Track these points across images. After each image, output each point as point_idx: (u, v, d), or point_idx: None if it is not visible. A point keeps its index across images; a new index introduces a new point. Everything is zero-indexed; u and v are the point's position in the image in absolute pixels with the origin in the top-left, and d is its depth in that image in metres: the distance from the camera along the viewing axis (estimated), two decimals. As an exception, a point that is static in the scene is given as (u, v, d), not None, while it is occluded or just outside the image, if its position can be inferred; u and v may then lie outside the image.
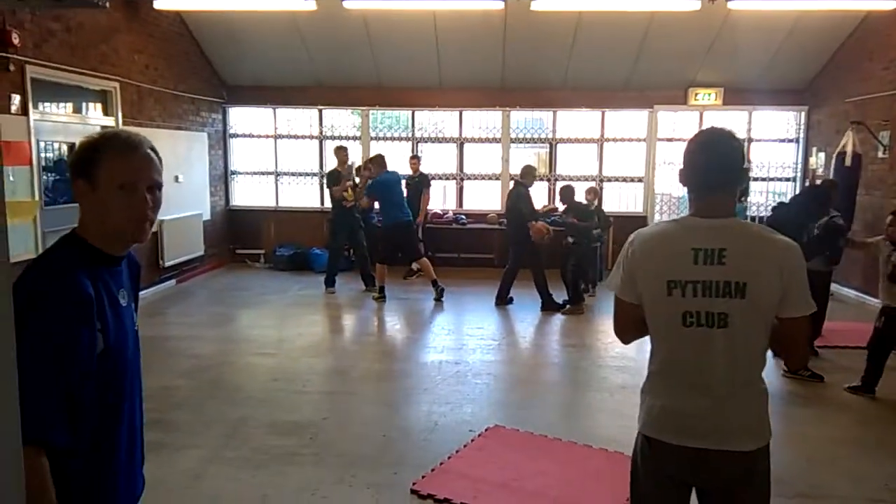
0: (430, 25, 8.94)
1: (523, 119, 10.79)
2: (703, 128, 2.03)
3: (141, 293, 6.79)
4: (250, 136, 10.92)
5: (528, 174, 8.06)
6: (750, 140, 10.37)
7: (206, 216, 9.89)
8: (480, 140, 10.73)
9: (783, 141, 10.39)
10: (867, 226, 7.81)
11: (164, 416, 4.57)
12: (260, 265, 10.64)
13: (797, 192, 10.03)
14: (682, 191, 8.06)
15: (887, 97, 7.84)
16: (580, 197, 8.44)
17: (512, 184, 8.52)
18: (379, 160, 8.31)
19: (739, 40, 9.00)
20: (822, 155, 9.59)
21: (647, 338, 2.02)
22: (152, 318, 7.21)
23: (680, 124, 10.36)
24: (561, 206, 8.52)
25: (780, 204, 6.70)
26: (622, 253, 1.99)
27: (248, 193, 11.05)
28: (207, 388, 5.20)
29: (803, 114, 10.11)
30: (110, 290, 1.54)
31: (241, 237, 10.81)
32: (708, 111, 10.17)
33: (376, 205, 8.57)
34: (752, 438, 1.89)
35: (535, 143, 10.88)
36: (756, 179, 10.34)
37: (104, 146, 1.53)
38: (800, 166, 10.13)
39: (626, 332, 2.06)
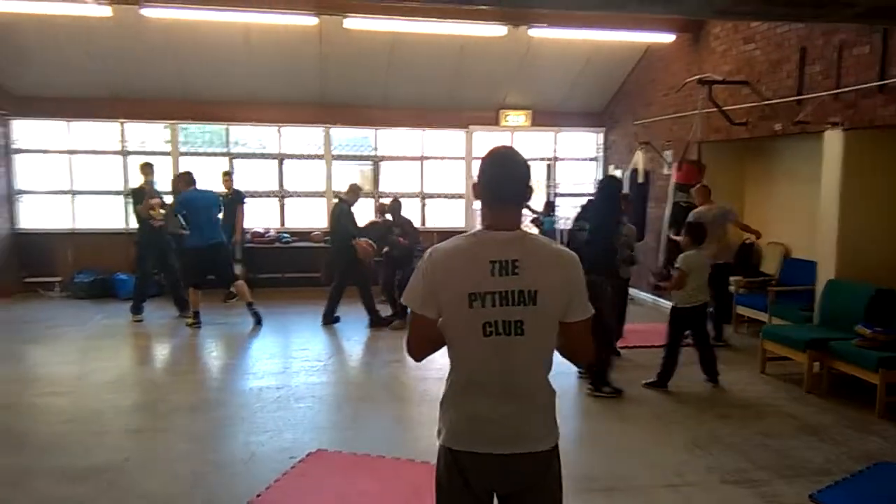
0: (241, 37, 8.61)
1: (348, 136, 10.74)
2: (495, 146, 2.08)
3: None
4: (40, 151, 9.82)
5: (352, 192, 8.00)
6: (556, 159, 11.16)
7: (-13, 241, 8.74)
8: (302, 157, 10.51)
9: (585, 160, 11.29)
10: (655, 234, 8.66)
11: (-77, 475, 3.90)
12: (55, 294, 9.58)
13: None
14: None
15: (668, 120, 8.79)
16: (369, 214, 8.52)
17: (335, 201, 8.40)
18: (185, 177, 7.76)
19: (544, 66, 9.67)
20: (618, 172, 10.51)
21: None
22: (-87, 362, 6.19)
23: (494, 144, 10.85)
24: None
25: (580, 216, 6.43)
26: (419, 268, 1.99)
27: (40, 215, 9.92)
28: (-18, 437, 4.53)
29: (601, 135, 11.06)
30: None
31: (31, 263, 9.68)
32: (518, 132, 10.79)
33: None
34: (547, 438, 1.99)
35: (359, 160, 10.87)
36: (562, 195, 11.12)
37: None
38: (597, 182, 11.02)
39: (422, 347, 2.06)
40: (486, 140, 10.85)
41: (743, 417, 5.07)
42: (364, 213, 8.91)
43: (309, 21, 7.59)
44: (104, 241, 9.74)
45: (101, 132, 9.97)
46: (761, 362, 6.19)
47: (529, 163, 2.05)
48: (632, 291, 8.29)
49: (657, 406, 5.34)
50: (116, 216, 9.92)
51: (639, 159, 8.70)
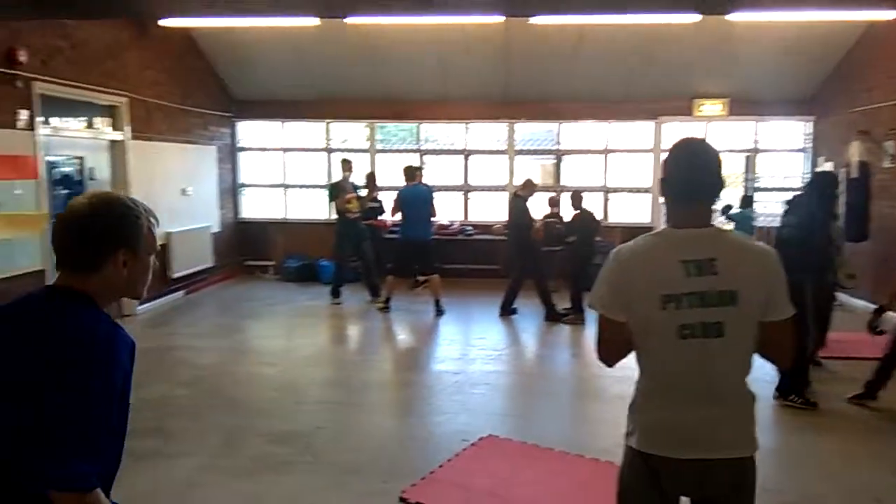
0: (432, 39, 9.02)
1: (531, 131, 10.82)
2: (683, 137, 2.01)
3: (148, 304, 6.98)
4: (259, 149, 11.07)
5: (527, 187, 8.08)
6: (756, 150, 10.35)
7: (216, 228, 10.01)
8: (486, 152, 10.79)
9: (790, 151, 10.35)
10: (874, 234, 7.73)
11: (161, 424, 4.63)
12: (269, 276, 10.74)
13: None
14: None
15: (893, 107, 7.79)
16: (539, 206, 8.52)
17: (512, 196, 8.56)
18: (406, 172, 8.28)
19: (744, 51, 9.00)
20: (829, 164, 9.53)
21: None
22: (158, 329, 7.32)
23: (685, 135, 10.32)
24: (571, 211, 8.45)
25: (788, 212, 5.55)
26: (605, 270, 1.96)
27: (258, 205, 11.18)
28: (207, 397, 5.26)
29: (810, 124, 10.07)
30: None
31: (250, 249, 10.93)
32: (714, 122, 10.16)
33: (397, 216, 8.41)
34: (748, 444, 1.91)
35: (541, 154, 10.91)
36: (763, 189, 10.30)
37: (140, 215, 1.59)
38: (807, 176, 10.06)
39: (613, 351, 1.98)
40: (677, 132, 10.37)
41: (968, 446, 4.42)
42: (539, 207, 8.95)
43: (495, 19, 7.76)
44: (310, 230, 10.72)
45: (310, 131, 10.99)
46: None
47: (721, 154, 1.95)
48: (841, 297, 7.50)
49: (861, 422, 4.81)
50: (320, 208, 10.87)
51: (855, 150, 7.81)
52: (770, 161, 10.48)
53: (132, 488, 3.72)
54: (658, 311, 1.84)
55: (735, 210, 9.49)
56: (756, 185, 10.34)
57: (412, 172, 8.27)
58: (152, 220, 1.63)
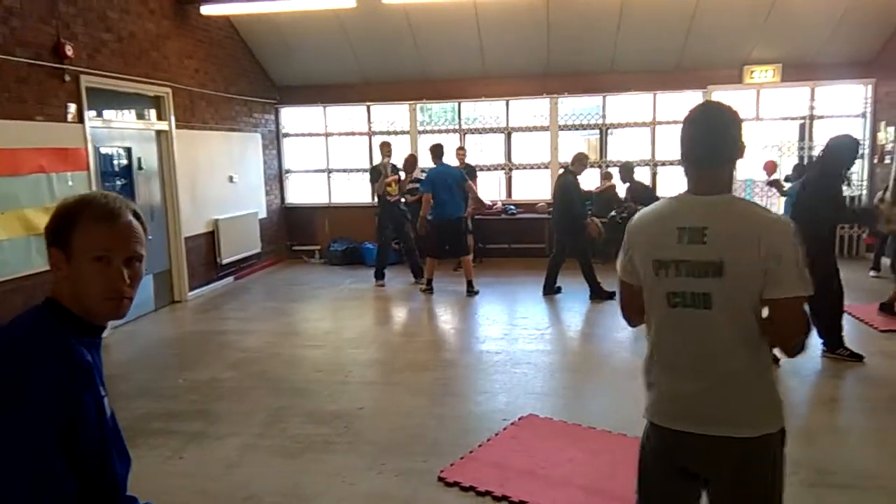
0: (471, 15, 8.90)
1: (575, 105, 10.59)
2: (699, 103, 1.97)
3: (199, 290, 7.03)
4: (302, 134, 11.16)
5: (578, 162, 7.90)
6: (812, 117, 9.90)
7: (263, 214, 10.17)
8: (528, 129, 10.62)
9: (849, 117, 9.86)
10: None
11: (208, 406, 4.75)
12: (315, 260, 10.88)
13: (864, 168, 9.60)
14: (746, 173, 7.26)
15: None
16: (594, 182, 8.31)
17: (560, 171, 8.41)
18: (436, 150, 8.22)
19: (797, 12, 8.61)
20: (891, 129, 9.07)
21: None
22: (207, 314, 7.50)
23: (737, 104, 9.94)
24: (621, 185, 8.28)
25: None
26: (625, 234, 1.99)
27: (303, 191, 11.30)
28: (252, 379, 5.36)
29: (870, 87, 9.56)
30: (97, 362, 1.40)
31: (297, 234, 11.08)
32: (765, 89, 9.76)
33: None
34: (749, 424, 1.81)
35: (585, 129, 10.68)
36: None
37: (80, 213, 1.35)
38: (867, 143, 9.58)
39: (631, 313, 2.06)
40: (727, 100, 9.96)
41: None
42: (589, 182, 8.78)
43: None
44: (354, 214, 10.79)
45: (352, 115, 11.01)
46: None
47: (738, 118, 1.88)
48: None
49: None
50: (364, 191, 10.91)
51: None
52: (827, 128, 9.99)
53: (177, 469, 3.83)
54: (652, 276, 1.86)
55: (777, 179, 8.97)
56: (812, 153, 9.90)
57: (439, 152, 8.18)
58: (107, 219, 1.36)
